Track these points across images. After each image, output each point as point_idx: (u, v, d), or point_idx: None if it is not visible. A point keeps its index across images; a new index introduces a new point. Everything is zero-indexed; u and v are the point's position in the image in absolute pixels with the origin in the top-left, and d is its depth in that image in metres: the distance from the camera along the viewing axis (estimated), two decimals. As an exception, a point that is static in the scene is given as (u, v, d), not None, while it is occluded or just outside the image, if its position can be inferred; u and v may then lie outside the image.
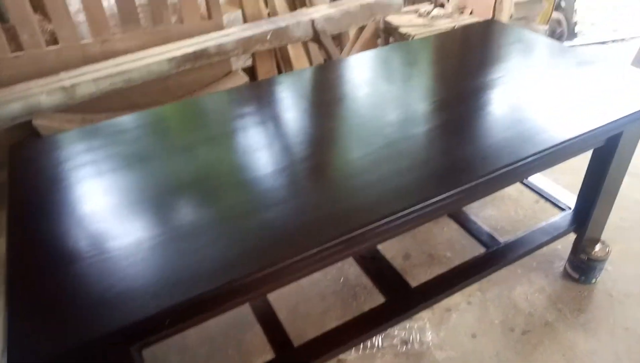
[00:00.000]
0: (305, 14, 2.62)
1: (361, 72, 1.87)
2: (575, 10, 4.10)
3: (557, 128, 1.41)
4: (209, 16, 2.79)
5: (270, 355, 1.57)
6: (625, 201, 2.21)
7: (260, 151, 1.39)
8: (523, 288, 1.98)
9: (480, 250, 2.10)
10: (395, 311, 1.59)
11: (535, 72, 1.74)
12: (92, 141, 1.47)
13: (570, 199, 1.96)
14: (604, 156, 1.67)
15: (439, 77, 1.81)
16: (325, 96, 1.70)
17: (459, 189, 1.20)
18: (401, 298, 1.63)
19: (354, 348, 1.77)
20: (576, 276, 1.96)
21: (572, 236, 1.94)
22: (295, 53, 2.98)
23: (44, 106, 2.19)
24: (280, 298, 1.86)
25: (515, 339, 1.79)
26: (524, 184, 2.20)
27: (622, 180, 1.79)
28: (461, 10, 2.99)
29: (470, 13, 2.97)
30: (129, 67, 2.28)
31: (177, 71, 2.42)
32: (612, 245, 1.92)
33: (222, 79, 2.85)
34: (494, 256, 1.77)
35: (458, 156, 1.31)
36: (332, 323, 1.87)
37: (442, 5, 3.08)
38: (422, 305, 1.62)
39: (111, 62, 2.36)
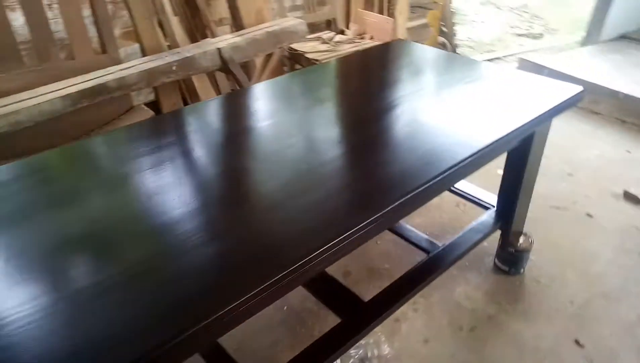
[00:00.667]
0: (211, 43, 2.56)
1: (270, 100, 1.81)
2: (455, 34, 4.52)
3: (475, 136, 1.44)
4: (103, 50, 2.61)
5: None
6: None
7: (166, 192, 1.24)
8: (462, 287, 2.04)
9: (415, 258, 2.14)
10: (353, 330, 1.54)
11: (447, 84, 1.81)
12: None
13: (491, 199, 2.08)
14: (520, 155, 1.80)
15: (350, 99, 1.82)
16: (234, 127, 1.62)
17: (383, 211, 1.14)
18: (357, 316, 1.58)
19: (311, 376, 1.68)
20: (506, 268, 2.07)
21: (495, 234, 2.05)
22: (201, 84, 2.89)
23: None
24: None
25: (465, 337, 1.82)
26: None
27: (536, 175, 1.94)
28: (361, 35, 3.13)
29: (371, 38, 3.11)
30: (16, 108, 2.02)
31: (73, 109, 2.20)
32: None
33: (124, 116, 2.66)
34: (435, 261, 1.80)
35: (379, 176, 1.28)
36: (284, 353, 1.77)
37: (342, 32, 3.20)
38: (379, 319, 1.58)
39: (-6, 103, 2.08)
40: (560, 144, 2.97)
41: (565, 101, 1.63)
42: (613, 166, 2.82)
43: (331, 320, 1.88)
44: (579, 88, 1.69)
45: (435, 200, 2.54)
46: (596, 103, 3.41)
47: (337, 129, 1.56)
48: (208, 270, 0.99)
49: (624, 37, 4.37)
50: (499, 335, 1.83)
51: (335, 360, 1.64)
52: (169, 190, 1.24)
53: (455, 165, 1.30)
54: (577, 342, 1.79)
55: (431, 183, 1.24)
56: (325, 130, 1.54)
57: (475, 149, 1.36)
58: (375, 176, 1.29)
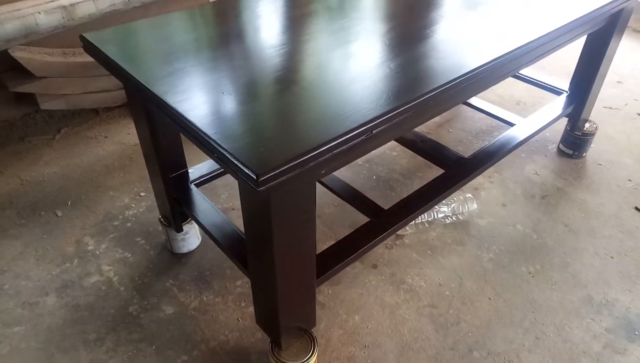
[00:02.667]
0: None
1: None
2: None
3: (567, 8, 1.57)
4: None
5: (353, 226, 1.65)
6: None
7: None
8: (530, 166, 2.27)
9: (484, 144, 2.36)
10: (456, 179, 1.75)
11: None
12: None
13: (563, 85, 2.27)
14: (602, 37, 1.97)
15: None
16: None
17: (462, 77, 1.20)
18: (459, 168, 1.80)
19: (408, 226, 1.92)
20: (570, 152, 2.29)
21: (559, 124, 2.25)
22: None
23: (41, 27, 2.01)
24: (327, 196, 1.93)
25: (538, 202, 2.07)
26: (519, 77, 2.46)
27: (612, 60, 2.12)
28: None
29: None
30: (128, -12, 2.16)
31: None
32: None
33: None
34: (513, 136, 2.00)
35: (453, 53, 1.32)
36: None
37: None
38: (477, 172, 1.80)
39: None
40: (607, 57, 3.14)
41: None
42: (658, 76, 3.01)
43: (417, 187, 2.13)
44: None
45: (496, 98, 2.74)
46: (639, 22, 3.56)
47: (393, 23, 1.54)
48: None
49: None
50: (567, 202, 2.07)
51: (436, 203, 1.88)
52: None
53: (527, 44, 1.35)
54: (637, 209, 2.04)
55: (497, 61, 1.28)
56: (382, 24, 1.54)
57: (550, 29, 1.44)
58: (434, 60, 1.29)
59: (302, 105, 1.08)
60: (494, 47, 1.34)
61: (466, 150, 2.35)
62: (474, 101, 2.37)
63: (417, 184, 2.14)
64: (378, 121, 1.03)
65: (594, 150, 2.36)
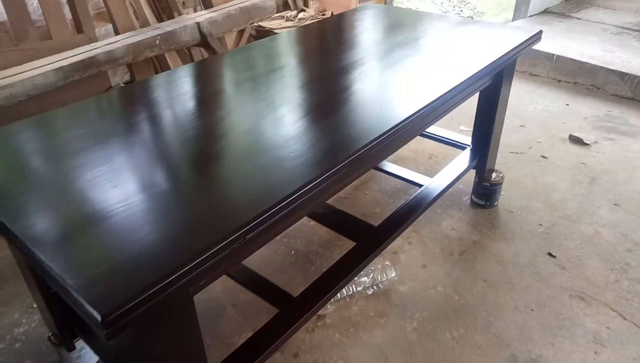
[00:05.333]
0: (189, 19, 2.65)
1: (243, 64, 1.87)
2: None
3: (449, 76, 1.61)
4: (79, 30, 2.63)
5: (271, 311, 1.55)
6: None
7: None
8: (447, 221, 2.27)
9: (400, 202, 2.36)
10: (368, 250, 1.71)
11: (426, 35, 2.03)
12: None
13: (466, 140, 2.33)
14: (491, 93, 2.05)
15: (319, 60, 1.87)
16: (211, 89, 1.64)
17: (376, 140, 1.24)
18: (370, 239, 1.76)
19: (328, 304, 1.84)
20: (482, 202, 2.33)
21: (469, 176, 2.30)
22: (174, 64, 2.96)
23: None
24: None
25: (457, 259, 2.06)
26: (425, 135, 2.51)
27: (505, 113, 2.21)
28: (322, 12, 3.32)
29: (332, 14, 3.31)
30: (11, 81, 2.04)
31: (64, 83, 2.23)
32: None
33: (104, 95, 2.69)
34: (426, 195, 2.01)
35: (353, 125, 1.35)
36: (299, 288, 1.92)
37: (302, 11, 3.37)
38: (389, 240, 1.77)
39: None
40: (509, 102, 3.29)
41: (527, 40, 1.90)
42: (556, 116, 3.19)
43: (336, 258, 2.06)
44: (538, 29, 1.96)
45: (410, 154, 2.78)
46: (534, 66, 3.80)
47: (305, 89, 1.59)
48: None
49: (546, 12, 4.85)
50: (484, 255, 2.08)
51: (352, 279, 1.82)
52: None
53: (429, 104, 1.43)
54: (550, 254, 2.07)
55: (406, 122, 1.35)
56: (294, 90, 1.58)
57: (452, 85, 1.53)
58: (345, 128, 1.33)
59: (170, 214, 0.99)
60: (392, 115, 1.36)
61: (383, 212, 2.34)
62: (385, 164, 2.38)
63: (337, 255, 2.08)
64: (252, 224, 0.96)
65: (505, 197, 2.41)
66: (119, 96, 1.65)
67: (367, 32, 2.14)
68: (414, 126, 1.42)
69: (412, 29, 2.10)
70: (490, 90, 2.03)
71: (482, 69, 1.67)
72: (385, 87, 1.57)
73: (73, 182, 1.11)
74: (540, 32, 1.96)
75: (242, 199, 1.04)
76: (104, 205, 1.02)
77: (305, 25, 2.31)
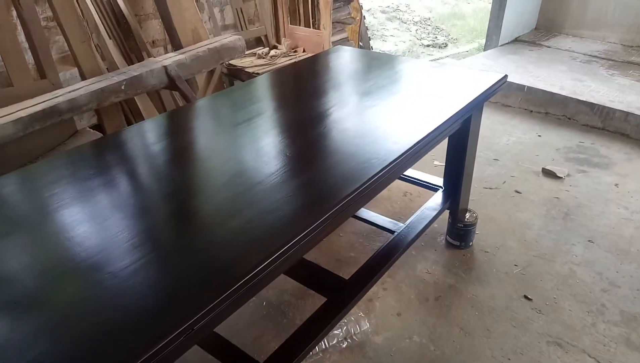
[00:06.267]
0: (156, 62, 2.60)
1: (215, 112, 1.88)
2: (371, 47, 4.88)
3: (419, 124, 1.62)
4: (42, 76, 2.56)
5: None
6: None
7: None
8: (422, 264, 2.23)
9: (375, 244, 2.33)
10: (339, 306, 1.66)
11: (383, 81, 1.99)
12: None
13: (438, 181, 2.31)
14: (460, 138, 2.04)
15: (293, 107, 1.89)
16: (182, 142, 1.64)
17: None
18: (341, 293, 1.71)
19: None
20: (457, 243, 2.30)
21: (443, 216, 2.28)
22: (144, 105, 2.90)
23: None
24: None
25: (432, 306, 2.01)
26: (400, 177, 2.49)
27: (475, 155, 2.20)
28: (294, 49, 3.31)
29: (303, 51, 3.30)
30: (-33, 135, 1.96)
31: (23, 134, 2.16)
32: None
33: (69, 140, 2.62)
34: (399, 240, 1.98)
35: (327, 179, 1.36)
36: (270, 344, 1.86)
37: (275, 47, 3.36)
38: (361, 294, 1.72)
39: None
40: (482, 134, 3.25)
41: (493, 85, 1.90)
42: (529, 148, 3.20)
43: (310, 309, 2.01)
44: (503, 74, 1.97)
45: (385, 193, 2.75)
46: (506, 97, 3.84)
47: (282, 138, 1.60)
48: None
49: (517, 40, 4.94)
50: (460, 300, 2.04)
51: (325, 336, 1.76)
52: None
53: (404, 153, 1.44)
54: (526, 297, 2.04)
55: (386, 169, 1.36)
56: (271, 139, 1.58)
57: (422, 135, 1.53)
58: (323, 178, 1.36)
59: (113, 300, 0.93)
60: (373, 164, 1.38)
61: (358, 256, 2.29)
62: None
63: (310, 305, 2.02)
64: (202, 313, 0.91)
65: (480, 236, 2.39)
66: (88, 152, 1.60)
67: (340, 76, 2.14)
68: (394, 172, 1.44)
69: (383, 74, 2.09)
70: (460, 133, 2.01)
71: (453, 114, 1.67)
72: (362, 136, 1.57)
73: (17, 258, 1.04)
74: (505, 76, 1.96)
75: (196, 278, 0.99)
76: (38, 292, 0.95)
77: (278, 68, 2.29)
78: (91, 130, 2.69)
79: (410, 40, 6.95)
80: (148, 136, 1.67)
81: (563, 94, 3.56)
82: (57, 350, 0.83)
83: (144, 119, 2.91)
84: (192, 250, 1.08)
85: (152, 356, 0.82)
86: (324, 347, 1.83)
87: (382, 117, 1.70)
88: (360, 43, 4.81)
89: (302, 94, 2.00)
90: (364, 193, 1.31)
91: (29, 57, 2.58)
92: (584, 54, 4.45)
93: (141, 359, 0.81)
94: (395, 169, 1.43)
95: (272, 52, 3.20)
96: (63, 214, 1.21)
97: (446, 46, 6.70)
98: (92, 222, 1.17)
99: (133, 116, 2.96)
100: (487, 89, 1.86)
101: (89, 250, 1.07)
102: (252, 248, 1.07)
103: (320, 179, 1.35)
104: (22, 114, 2.12)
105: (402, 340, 1.87)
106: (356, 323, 1.87)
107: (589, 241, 2.35)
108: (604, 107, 3.36)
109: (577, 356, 1.78)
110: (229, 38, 2.90)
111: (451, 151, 2.14)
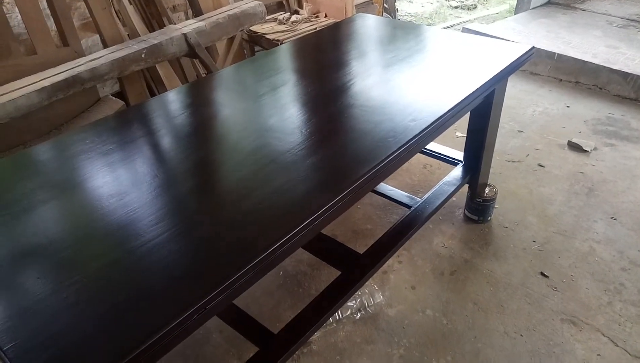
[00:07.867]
0: (176, 29, 2.59)
1: (237, 83, 1.88)
2: (396, 10, 4.73)
3: (442, 98, 1.59)
4: (65, 43, 2.58)
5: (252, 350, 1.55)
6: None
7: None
8: (438, 238, 2.24)
9: (392, 217, 2.33)
10: (353, 280, 1.68)
11: (408, 52, 1.95)
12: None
13: (459, 156, 2.28)
14: (482, 113, 1.99)
15: (318, 76, 1.88)
16: (202, 114, 1.67)
17: (378, 165, 1.29)
18: (355, 268, 1.73)
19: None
20: (475, 217, 2.29)
21: (463, 189, 2.25)
22: (165, 72, 2.91)
23: None
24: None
25: (447, 280, 2.03)
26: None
27: (497, 129, 2.15)
28: (316, 14, 3.24)
29: (325, 16, 3.23)
30: (-8, 104, 2.01)
31: (48, 103, 2.20)
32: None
33: (94, 107, 2.66)
34: (417, 214, 1.98)
35: (352, 151, 1.39)
36: (287, 314, 1.91)
37: (296, 12, 3.29)
38: (374, 269, 1.74)
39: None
40: (507, 104, 3.21)
41: (519, 59, 1.83)
42: (556, 120, 3.11)
43: (325, 279, 2.05)
44: (529, 46, 1.89)
45: (404, 165, 2.72)
46: (535, 65, 3.70)
47: (303, 111, 1.61)
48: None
49: (550, 2, 4.72)
50: (476, 275, 2.04)
51: (338, 309, 1.80)
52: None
53: (422, 131, 1.42)
54: (542, 274, 2.03)
55: (403, 148, 1.36)
56: (292, 111, 1.60)
57: (442, 112, 1.50)
58: (349, 151, 1.39)
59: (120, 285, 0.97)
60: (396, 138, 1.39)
61: (375, 228, 2.30)
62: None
63: (325, 276, 2.06)
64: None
65: (499, 210, 2.37)
66: (112, 124, 1.62)
67: (362, 46, 2.09)
68: (412, 149, 1.44)
69: (405, 45, 2.04)
70: (482, 106, 1.96)
71: (475, 90, 1.63)
72: (381, 112, 1.55)
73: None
74: (532, 48, 1.89)
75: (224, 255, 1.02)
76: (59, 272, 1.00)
77: (300, 37, 2.25)
78: (113, 98, 2.72)
79: (438, 1, 6.71)
80: (171, 107, 1.69)
81: (595, 62, 3.41)
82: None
83: (165, 86, 2.92)
84: (218, 224, 1.14)
85: (182, 322, 0.90)
86: (337, 317, 1.87)
87: (402, 91, 1.67)
88: (385, 5, 4.67)
89: (323, 64, 1.97)
90: (381, 172, 1.32)
91: (51, 23, 2.60)
92: (622, 18, 4.23)
93: (172, 325, 0.88)
94: (413, 147, 1.42)
95: (294, 17, 3.14)
96: (93, 184, 1.29)
97: (475, 7, 6.44)
98: (119, 194, 1.22)
99: (154, 83, 2.97)
100: (513, 62, 1.80)
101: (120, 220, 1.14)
102: (272, 224, 1.13)
103: (343, 155, 1.37)
104: (46, 83, 2.15)
105: (415, 314, 1.89)
106: (370, 296, 1.91)
107: (611, 218, 2.30)
108: (638, 76, 3.22)
109: (591, 334, 1.78)
110: (249, 4, 2.85)
111: (473, 125, 2.10)
